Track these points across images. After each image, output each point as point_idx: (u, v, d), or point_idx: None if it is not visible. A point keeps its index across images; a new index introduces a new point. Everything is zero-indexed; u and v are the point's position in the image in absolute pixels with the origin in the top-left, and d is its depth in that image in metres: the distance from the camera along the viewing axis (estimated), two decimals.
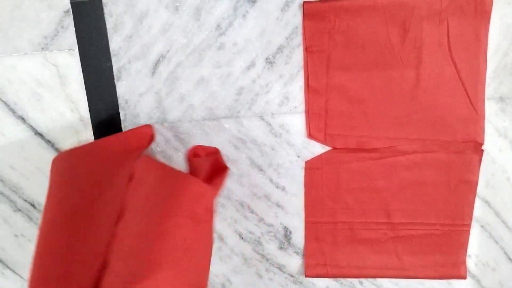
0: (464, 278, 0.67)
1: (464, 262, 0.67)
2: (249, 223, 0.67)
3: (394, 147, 0.63)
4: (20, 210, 0.63)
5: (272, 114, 0.64)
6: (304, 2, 0.59)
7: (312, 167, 0.65)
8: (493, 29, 0.60)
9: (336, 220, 0.66)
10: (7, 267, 0.64)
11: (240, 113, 0.63)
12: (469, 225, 0.66)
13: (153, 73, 0.62)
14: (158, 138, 0.64)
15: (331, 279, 0.68)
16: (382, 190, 0.65)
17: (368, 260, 0.67)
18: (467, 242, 0.66)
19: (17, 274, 0.65)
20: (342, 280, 0.69)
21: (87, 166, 0.53)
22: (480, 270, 0.69)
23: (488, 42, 0.61)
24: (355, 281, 0.69)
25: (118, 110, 0.63)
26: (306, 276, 0.68)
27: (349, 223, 0.66)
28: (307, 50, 0.61)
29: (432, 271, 0.67)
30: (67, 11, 0.60)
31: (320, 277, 0.68)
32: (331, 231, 0.66)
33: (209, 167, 0.54)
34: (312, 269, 0.67)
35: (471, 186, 0.64)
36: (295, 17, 0.60)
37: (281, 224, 0.67)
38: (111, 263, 0.44)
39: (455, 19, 0.59)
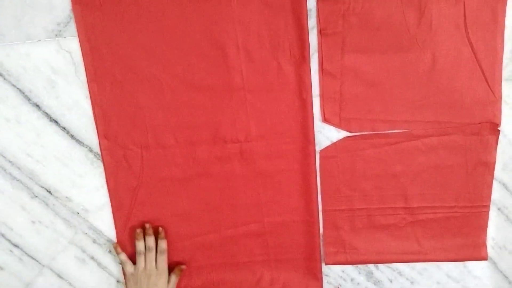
0: (485, 259, 0.67)
1: (484, 244, 0.67)
2: None
3: (409, 131, 0.63)
4: (36, 196, 0.64)
5: None
6: None
7: (327, 156, 0.64)
8: (511, 8, 0.59)
9: (353, 207, 0.66)
10: (25, 253, 0.65)
11: None
12: (488, 206, 0.65)
13: None
14: None
15: None
16: (399, 176, 0.64)
17: (388, 246, 0.66)
18: (486, 224, 0.66)
19: (35, 260, 0.65)
20: None
21: None
22: (496, 253, 0.68)
23: (506, 21, 0.60)
24: (370, 264, 0.69)
25: None
26: (326, 264, 0.67)
27: (366, 209, 0.66)
28: (321, 32, 0.60)
29: (453, 253, 0.66)
30: None
31: (340, 264, 0.67)
32: (349, 218, 0.66)
33: None
34: (332, 256, 0.67)
35: (488, 167, 0.64)
36: None
37: None
38: None
39: None
